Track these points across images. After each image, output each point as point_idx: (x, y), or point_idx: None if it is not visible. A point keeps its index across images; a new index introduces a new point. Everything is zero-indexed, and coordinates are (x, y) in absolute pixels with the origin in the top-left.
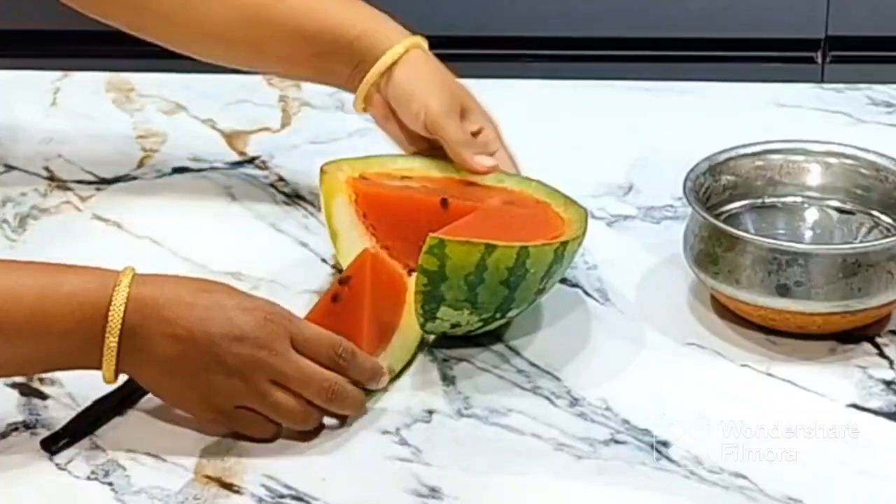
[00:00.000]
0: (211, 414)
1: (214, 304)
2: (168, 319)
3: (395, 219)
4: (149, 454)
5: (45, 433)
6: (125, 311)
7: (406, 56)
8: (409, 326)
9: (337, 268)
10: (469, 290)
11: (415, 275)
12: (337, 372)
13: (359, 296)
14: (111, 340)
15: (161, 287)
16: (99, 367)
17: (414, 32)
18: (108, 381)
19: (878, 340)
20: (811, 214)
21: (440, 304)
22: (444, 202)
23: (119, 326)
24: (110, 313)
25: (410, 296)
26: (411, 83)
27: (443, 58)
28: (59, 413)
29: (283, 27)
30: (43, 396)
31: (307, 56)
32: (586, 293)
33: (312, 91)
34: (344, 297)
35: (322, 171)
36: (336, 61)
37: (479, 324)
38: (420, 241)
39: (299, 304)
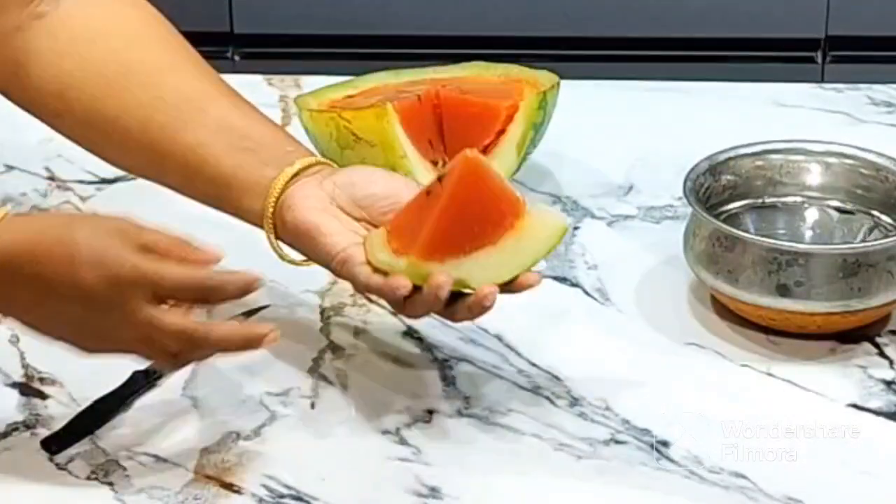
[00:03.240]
0: (94, 349)
1: (65, 260)
2: (25, 278)
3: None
4: (149, 454)
5: (45, 433)
6: None
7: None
8: (506, 249)
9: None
10: None
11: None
12: (208, 302)
13: (438, 198)
14: None
15: (20, 242)
16: None
17: (414, 32)
18: None
19: (878, 340)
20: (811, 214)
21: None
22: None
23: None
24: None
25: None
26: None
27: (442, 58)
28: (59, 413)
29: (212, 119)
30: (43, 396)
31: (234, 149)
32: (586, 293)
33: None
34: (433, 192)
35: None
36: (264, 160)
37: None
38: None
39: (300, 304)
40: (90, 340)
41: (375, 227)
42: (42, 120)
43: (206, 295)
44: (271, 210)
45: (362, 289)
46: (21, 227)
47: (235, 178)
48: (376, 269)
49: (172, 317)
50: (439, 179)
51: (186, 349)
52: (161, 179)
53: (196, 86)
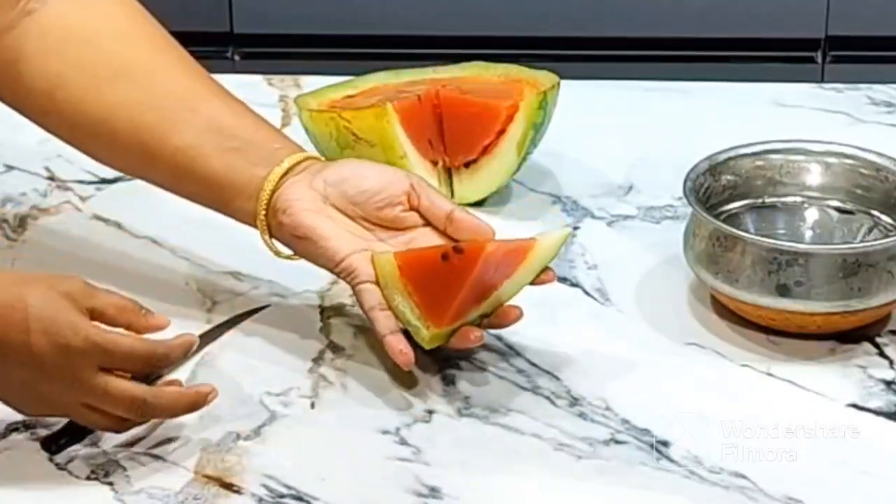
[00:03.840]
0: (33, 413)
1: (16, 325)
2: None
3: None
4: (149, 454)
5: (45, 433)
6: None
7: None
8: (512, 288)
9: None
10: None
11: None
12: (155, 369)
13: (468, 267)
14: None
15: None
16: None
17: (414, 32)
18: None
19: (878, 340)
20: (811, 214)
21: None
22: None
23: None
24: None
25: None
26: (375, 162)
27: (442, 58)
28: None
29: (201, 119)
30: None
31: (222, 150)
32: (586, 293)
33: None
34: (452, 260)
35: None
36: (252, 160)
37: None
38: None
39: (301, 304)
40: (33, 404)
41: (371, 222)
42: (31, 119)
43: (155, 363)
44: (263, 212)
45: (367, 312)
46: None
47: (226, 179)
48: (390, 307)
49: (123, 384)
50: (455, 250)
51: (135, 416)
52: (152, 179)
53: (185, 85)
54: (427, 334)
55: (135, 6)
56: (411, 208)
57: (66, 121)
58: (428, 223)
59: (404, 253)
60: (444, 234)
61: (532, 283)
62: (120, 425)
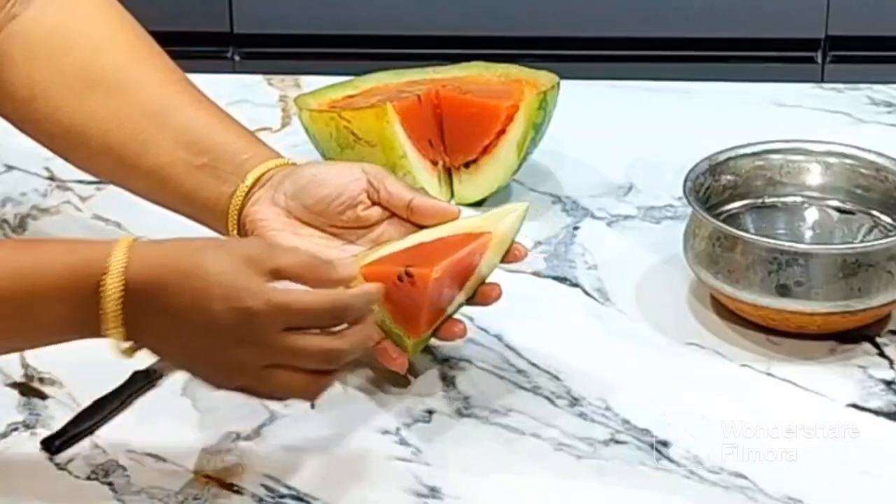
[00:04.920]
0: (221, 385)
1: (199, 293)
2: (159, 310)
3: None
4: (149, 454)
5: (45, 433)
6: (122, 304)
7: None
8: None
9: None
10: None
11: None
12: (342, 323)
13: (421, 290)
14: (112, 332)
15: (152, 271)
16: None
17: (414, 32)
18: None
19: (878, 340)
20: (811, 214)
21: None
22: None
23: (118, 319)
24: (102, 306)
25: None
26: (330, 164)
27: (442, 58)
28: (59, 413)
29: (171, 136)
30: (43, 396)
31: (192, 168)
32: (586, 293)
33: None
34: (406, 282)
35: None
36: (221, 176)
37: None
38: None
39: None
40: (220, 374)
41: (338, 227)
42: (13, 125)
43: (339, 315)
44: (234, 231)
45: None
46: (151, 255)
47: (198, 199)
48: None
49: (312, 339)
50: (407, 274)
51: (331, 363)
52: (132, 192)
53: (158, 96)
54: (409, 343)
55: (117, 11)
56: (374, 203)
57: (44, 130)
58: (394, 214)
59: (368, 266)
60: (409, 222)
61: (503, 261)
62: (313, 384)
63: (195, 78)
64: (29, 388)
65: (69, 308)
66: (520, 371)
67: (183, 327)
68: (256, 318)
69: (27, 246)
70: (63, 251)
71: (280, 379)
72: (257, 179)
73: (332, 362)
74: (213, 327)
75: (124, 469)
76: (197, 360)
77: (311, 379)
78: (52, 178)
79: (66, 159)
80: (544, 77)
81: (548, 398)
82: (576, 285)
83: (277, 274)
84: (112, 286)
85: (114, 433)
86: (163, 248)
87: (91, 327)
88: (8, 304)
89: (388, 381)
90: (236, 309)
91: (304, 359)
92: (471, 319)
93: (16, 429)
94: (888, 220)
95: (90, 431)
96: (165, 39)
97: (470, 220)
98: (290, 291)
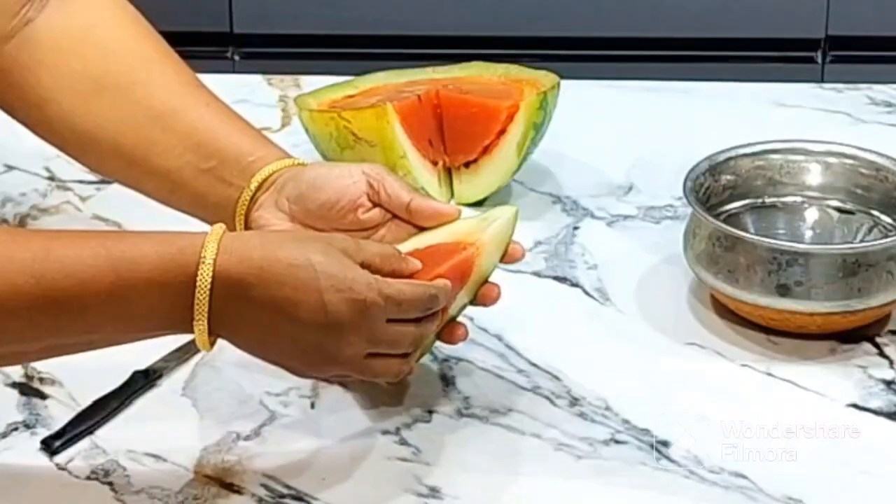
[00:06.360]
0: (311, 375)
1: (306, 284)
2: (257, 301)
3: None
4: (149, 454)
5: (45, 433)
6: (210, 294)
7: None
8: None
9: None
10: None
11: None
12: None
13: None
14: (199, 323)
15: (248, 261)
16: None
17: (414, 32)
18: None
19: (878, 340)
20: (811, 214)
21: None
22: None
23: (206, 309)
24: (196, 296)
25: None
26: (330, 166)
27: (442, 58)
28: (59, 413)
29: (179, 138)
30: (43, 396)
31: (200, 171)
32: (586, 293)
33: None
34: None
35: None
36: (228, 179)
37: None
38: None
39: None
40: (316, 364)
41: (340, 230)
42: (27, 128)
43: (430, 305)
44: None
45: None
46: (244, 247)
47: (208, 202)
48: None
49: (405, 328)
50: None
51: (415, 347)
52: (145, 194)
53: (167, 98)
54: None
55: (129, 13)
56: (374, 205)
57: (57, 134)
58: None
59: None
60: (410, 223)
61: (501, 261)
62: (405, 366)
63: None
64: (29, 388)
65: (161, 299)
66: (520, 371)
67: (282, 318)
68: (371, 309)
69: (117, 236)
70: (155, 241)
71: (377, 366)
72: (262, 182)
73: (418, 345)
74: (323, 318)
75: (124, 469)
76: (291, 351)
77: (402, 362)
78: (52, 178)
79: (81, 162)
80: (544, 77)
81: (548, 398)
82: (576, 285)
83: (366, 266)
84: (204, 277)
85: (114, 433)
86: (251, 239)
87: (182, 318)
88: (105, 293)
89: (388, 381)
90: (349, 300)
91: (401, 346)
92: (471, 319)
93: (16, 429)
94: (888, 220)
95: (90, 431)
96: (166, 39)
97: (464, 222)
98: (394, 282)
